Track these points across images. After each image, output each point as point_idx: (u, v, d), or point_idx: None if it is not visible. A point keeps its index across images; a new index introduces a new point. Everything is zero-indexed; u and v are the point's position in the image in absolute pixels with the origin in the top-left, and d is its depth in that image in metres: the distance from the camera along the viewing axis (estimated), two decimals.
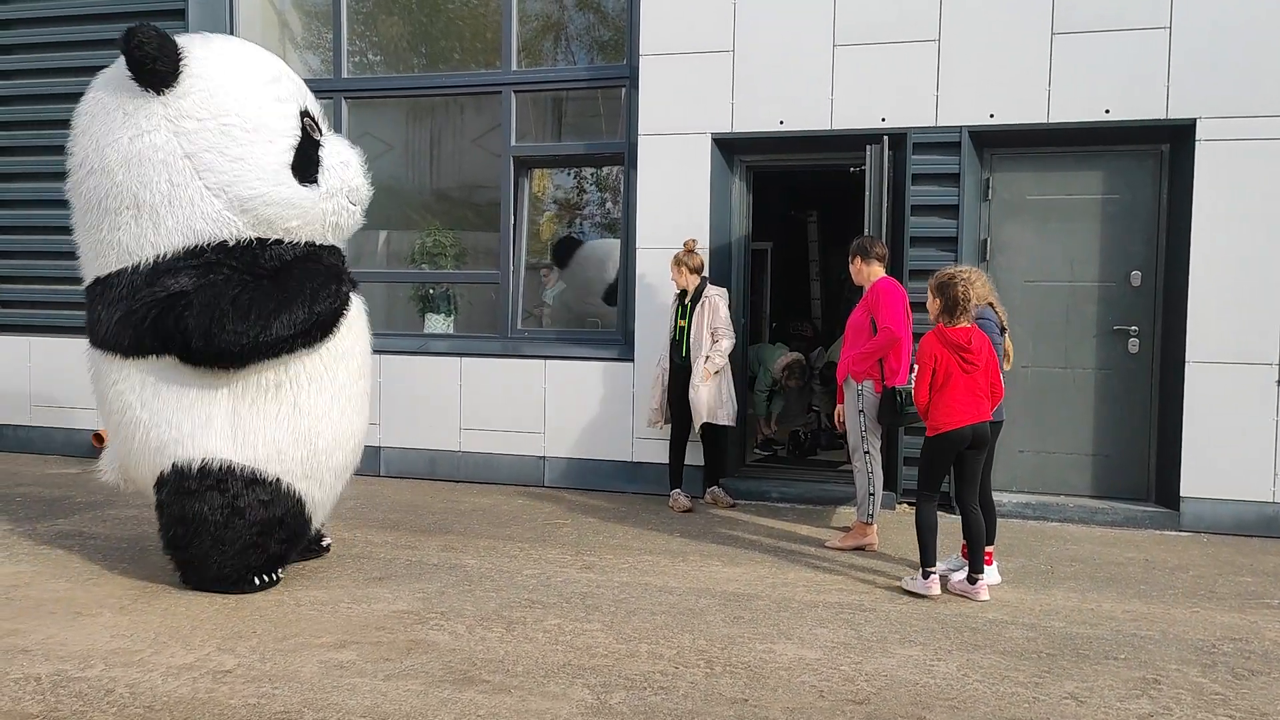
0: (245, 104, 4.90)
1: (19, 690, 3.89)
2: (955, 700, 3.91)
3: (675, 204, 7.60)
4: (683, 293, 7.16)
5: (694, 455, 7.43)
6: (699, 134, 7.56)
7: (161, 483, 5.03)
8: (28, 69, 9.09)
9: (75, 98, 8.96)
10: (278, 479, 5.03)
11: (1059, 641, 4.58)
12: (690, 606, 5.00)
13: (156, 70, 4.73)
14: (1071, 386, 7.23)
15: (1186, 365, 6.73)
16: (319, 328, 4.92)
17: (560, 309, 8.83)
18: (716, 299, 7.21)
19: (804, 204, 12.87)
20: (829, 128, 7.30)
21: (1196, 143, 6.67)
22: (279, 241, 4.98)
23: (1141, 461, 7.14)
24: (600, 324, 8.55)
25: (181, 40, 4.89)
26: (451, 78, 8.56)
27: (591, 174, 8.71)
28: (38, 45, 9.06)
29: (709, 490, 7.44)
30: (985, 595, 5.19)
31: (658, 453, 7.61)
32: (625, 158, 8.05)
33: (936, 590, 5.19)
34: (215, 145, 4.82)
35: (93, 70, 8.78)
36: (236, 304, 4.75)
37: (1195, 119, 6.68)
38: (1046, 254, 7.25)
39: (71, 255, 8.87)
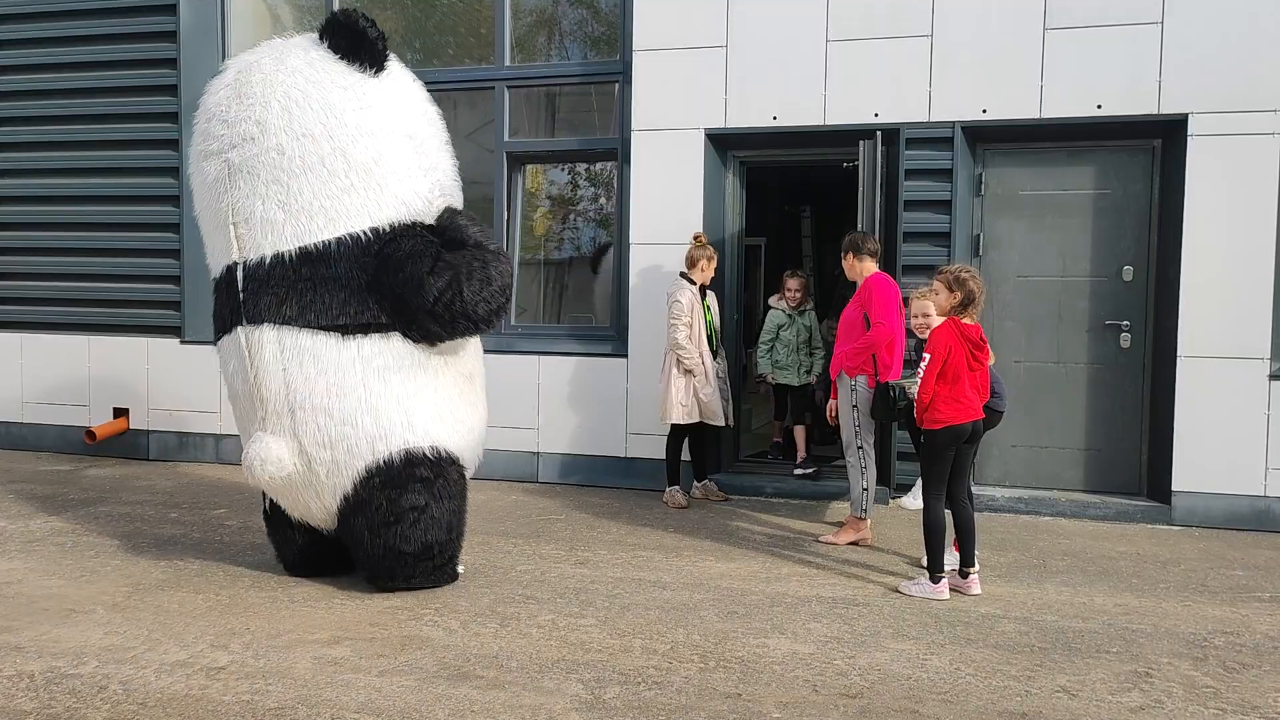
0: (428, 99, 5.34)
1: (12, 687, 3.89)
2: (948, 694, 3.92)
3: (669, 200, 7.60)
4: (694, 284, 7.11)
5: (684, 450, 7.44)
6: (692, 129, 7.56)
7: (387, 470, 4.89)
8: (19, 64, 9.05)
9: (68, 93, 8.98)
10: (466, 464, 5.26)
11: (1051, 635, 4.60)
12: (684, 602, 5.01)
13: (378, 51, 4.97)
14: (1064, 381, 7.25)
15: (1178, 360, 6.75)
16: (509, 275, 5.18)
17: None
18: (712, 297, 7.24)
19: (797, 199, 12.88)
20: (822, 123, 7.30)
21: (1188, 138, 6.68)
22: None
23: (1133, 456, 7.17)
24: (594, 319, 8.55)
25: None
26: (445, 73, 8.54)
27: (585, 170, 8.70)
28: (30, 40, 9.02)
29: (700, 484, 7.45)
30: (977, 589, 5.20)
31: (652, 448, 7.61)
32: (619, 153, 8.05)
33: (947, 594, 5.13)
34: (427, 130, 5.15)
35: (87, 66, 8.77)
36: (485, 268, 4.93)
37: (1187, 114, 6.69)
38: (1039, 249, 7.27)
39: (68, 253, 8.94)
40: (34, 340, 9.13)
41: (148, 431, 8.86)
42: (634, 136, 7.70)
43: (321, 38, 5.02)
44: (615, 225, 8.18)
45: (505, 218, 8.37)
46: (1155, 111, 6.75)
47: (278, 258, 4.85)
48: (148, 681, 3.95)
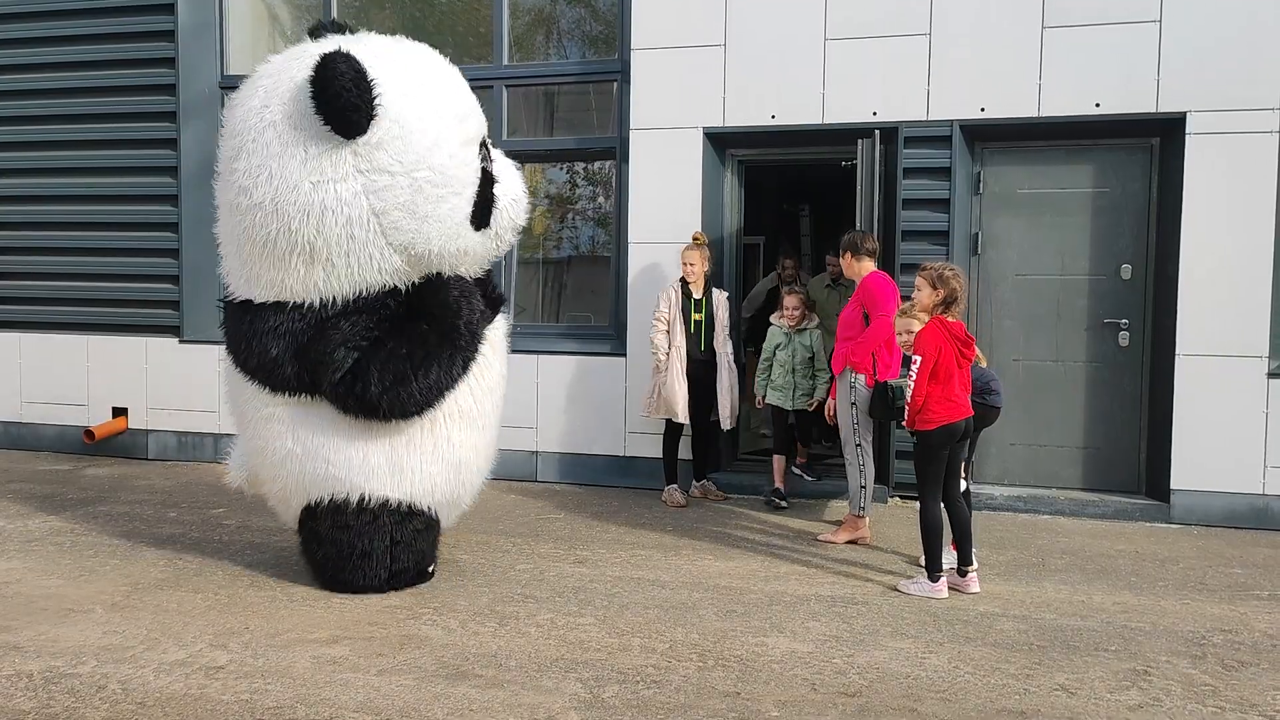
0: (437, 152, 4.59)
1: (11, 687, 3.88)
2: (946, 692, 3.92)
3: (667, 199, 7.60)
4: (684, 283, 7.12)
5: (683, 449, 7.44)
6: (691, 128, 7.55)
7: (314, 512, 4.98)
8: (17, 64, 9.04)
9: (66, 93, 8.97)
10: (428, 509, 5.08)
11: (1050, 633, 4.60)
12: (683, 600, 5.01)
13: (352, 120, 4.36)
14: (1062, 380, 7.25)
15: (1177, 358, 6.75)
16: (468, 366, 4.94)
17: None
18: (724, 298, 7.24)
19: (796, 198, 12.86)
20: (821, 122, 7.30)
21: (1187, 136, 6.68)
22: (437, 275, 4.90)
23: (1132, 454, 7.17)
24: (592, 318, 8.54)
25: (363, 54, 4.44)
26: None
27: (583, 169, 8.70)
28: (28, 40, 9.01)
29: (699, 483, 7.45)
30: (975, 587, 5.20)
31: (650, 447, 7.62)
32: (617, 152, 8.05)
33: (945, 592, 5.13)
34: (405, 203, 4.55)
35: (85, 65, 8.75)
36: (414, 361, 4.68)
37: (1185, 112, 6.69)
38: (1037, 247, 7.27)
39: (66, 252, 8.93)
40: (32, 340, 9.12)
41: (146, 431, 8.85)
42: (632, 135, 7.70)
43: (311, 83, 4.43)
44: (614, 224, 8.18)
45: None
46: (1153, 110, 6.75)
47: (234, 301, 4.97)
48: (146, 681, 3.95)
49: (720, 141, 7.70)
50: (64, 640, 4.39)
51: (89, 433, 8.52)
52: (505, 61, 8.32)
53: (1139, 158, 7.12)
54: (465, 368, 4.90)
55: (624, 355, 7.79)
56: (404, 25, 8.87)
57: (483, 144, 4.94)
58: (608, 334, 8.10)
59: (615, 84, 8.09)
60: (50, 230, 9.04)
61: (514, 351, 7.98)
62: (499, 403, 5.34)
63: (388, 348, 4.70)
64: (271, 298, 4.75)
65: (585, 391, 7.88)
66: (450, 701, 3.78)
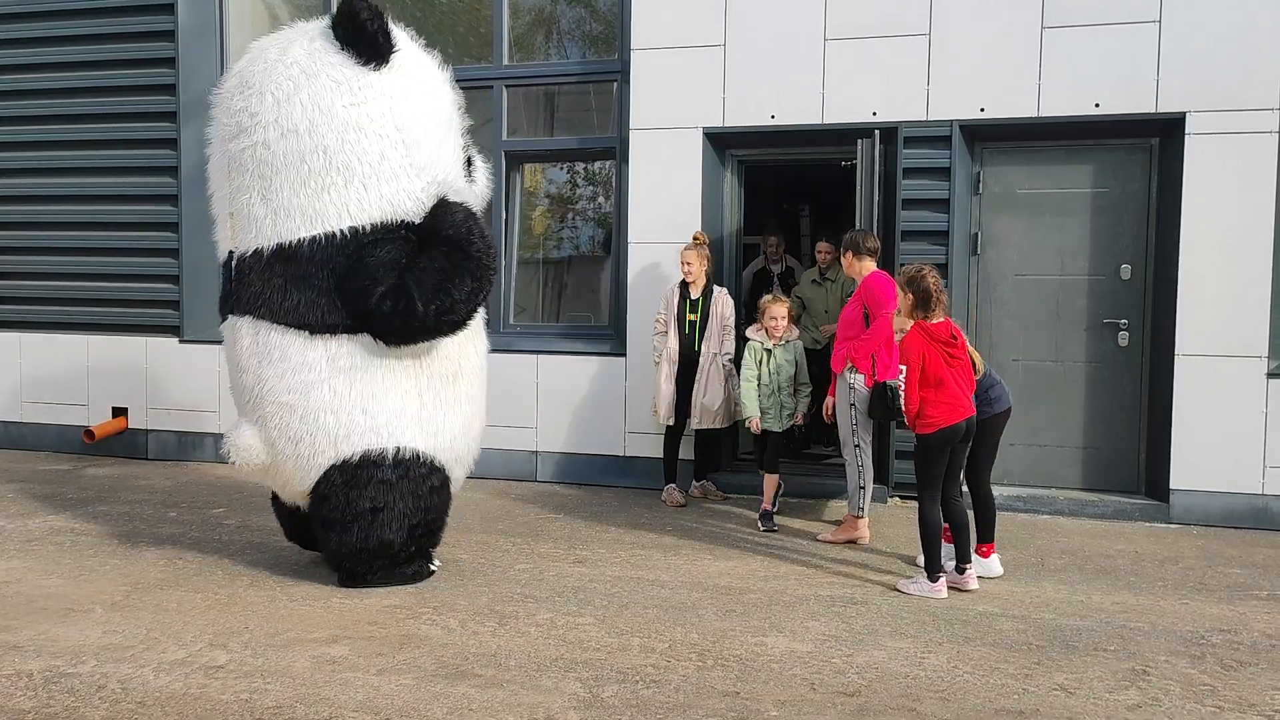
0: (441, 93, 5.13)
1: (11, 686, 3.89)
2: (945, 692, 3.93)
3: (667, 198, 7.60)
4: (684, 285, 7.13)
5: (684, 449, 7.45)
6: (690, 128, 7.56)
7: (343, 468, 4.94)
8: (17, 64, 9.04)
9: (66, 92, 8.98)
10: (445, 467, 5.20)
11: (1049, 633, 4.61)
12: (682, 600, 5.02)
13: (380, 45, 4.82)
14: (1062, 380, 7.26)
15: (1176, 358, 6.75)
16: (492, 276, 5.06)
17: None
18: (727, 296, 7.24)
19: (796, 198, 12.86)
20: (820, 122, 7.31)
21: (1186, 136, 6.69)
22: None
23: (1131, 454, 7.17)
24: (592, 318, 8.55)
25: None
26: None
27: (583, 169, 8.71)
28: (29, 40, 9.02)
29: (698, 484, 7.46)
30: (974, 584, 5.21)
31: (650, 447, 7.62)
32: (617, 152, 8.05)
33: (944, 592, 5.13)
34: (424, 126, 4.94)
35: (85, 65, 8.76)
36: (448, 273, 4.81)
37: (1185, 113, 6.70)
38: (1037, 247, 7.28)
39: (65, 252, 8.93)
40: (33, 339, 9.13)
41: (146, 431, 8.86)
42: (632, 135, 7.71)
43: (331, 26, 4.94)
44: (613, 224, 8.18)
45: (504, 217, 8.37)
46: (1153, 110, 6.76)
47: (258, 253, 4.93)
48: (146, 680, 3.96)
49: (720, 141, 7.70)
50: (64, 640, 4.39)
51: (89, 432, 8.53)
52: (505, 61, 8.32)
53: (1139, 158, 7.13)
54: (491, 280, 5.02)
55: (623, 355, 7.79)
56: (404, 24, 8.85)
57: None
58: (607, 334, 8.10)
59: (615, 84, 8.10)
60: (50, 230, 9.05)
61: (514, 351, 8.05)
62: (486, 371, 5.52)
63: (420, 266, 4.83)
64: (304, 233, 4.83)
65: (585, 391, 7.88)
66: (450, 701, 3.78)
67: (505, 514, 6.90)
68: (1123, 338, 7.13)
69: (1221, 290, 6.66)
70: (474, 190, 5.35)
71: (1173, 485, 6.79)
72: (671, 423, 7.16)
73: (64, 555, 5.75)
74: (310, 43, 4.91)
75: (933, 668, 4.17)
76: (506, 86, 8.31)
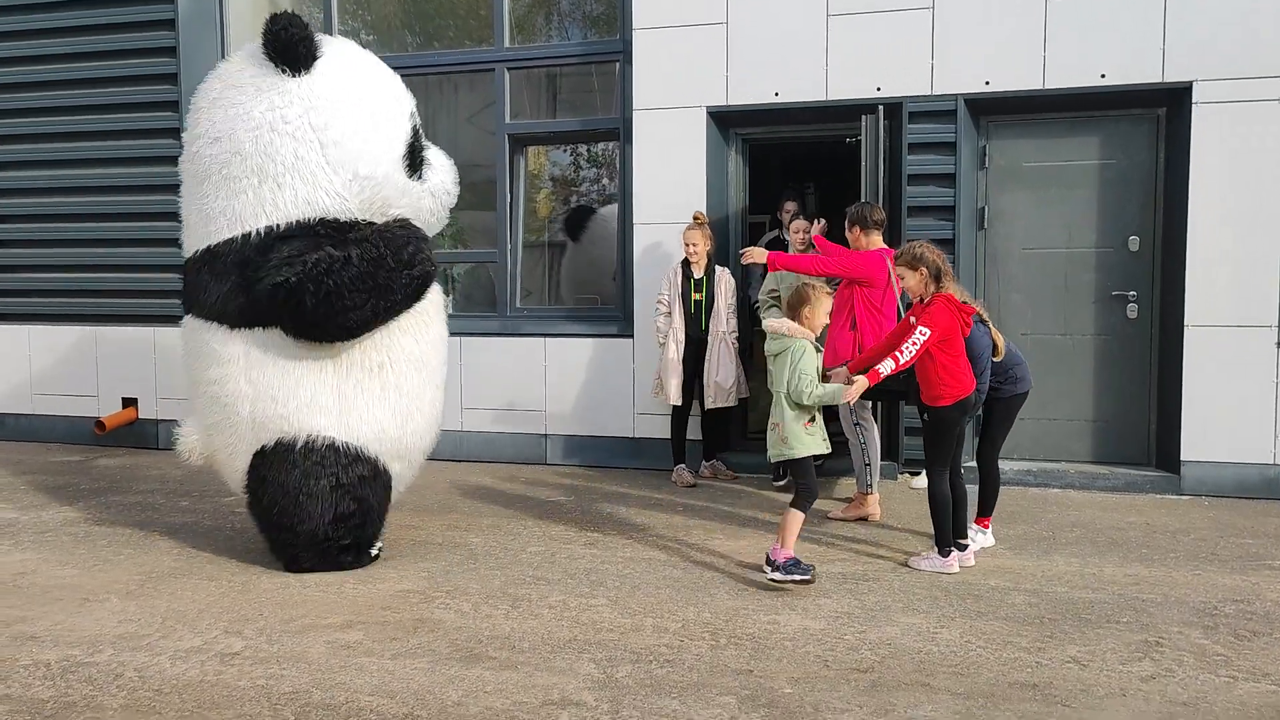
0: (373, 92, 5.14)
1: (29, 676, 3.92)
2: (959, 667, 3.93)
3: (671, 179, 7.58)
4: (686, 263, 7.12)
5: (693, 429, 7.45)
6: (694, 108, 7.52)
7: (263, 457, 5.08)
8: (24, 56, 9.03)
9: (72, 84, 8.99)
10: (375, 458, 5.17)
11: (1061, 606, 4.61)
12: (694, 580, 5.03)
13: (298, 53, 4.91)
14: (1071, 353, 7.24)
15: (1185, 329, 6.72)
16: (418, 292, 5.10)
17: (571, 285, 8.79)
18: (730, 275, 7.23)
19: (801, 176, 12.81)
20: (824, 98, 7.27)
21: (1193, 106, 6.63)
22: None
23: (1142, 426, 7.16)
24: (600, 300, 8.54)
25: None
26: (445, 56, 8.51)
27: (587, 150, 8.68)
28: (30, 32, 9.00)
29: (708, 463, 7.47)
30: (971, 560, 5.19)
31: (659, 428, 7.63)
32: (621, 133, 8.02)
33: (955, 567, 5.12)
34: (344, 125, 4.96)
35: (89, 56, 8.78)
36: (352, 279, 4.82)
37: (1191, 82, 6.65)
38: (1044, 221, 7.24)
39: (72, 243, 8.95)
40: (41, 332, 9.15)
41: (157, 421, 8.88)
42: (635, 116, 7.67)
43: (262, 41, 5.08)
44: (618, 206, 8.15)
45: (508, 200, 8.35)
46: (1159, 80, 6.71)
47: (193, 256, 5.18)
48: (163, 668, 3.98)
49: (724, 120, 7.67)
50: (80, 629, 4.42)
51: (100, 423, 8.56)
52: (506, 44, 8.28)
53: (1145, 128, 7.08)
54: (409, 293, 5.03)
55: (631, 337, 7.79)
56: (405, 9, 8.84)
57: (414, 117, 5.37)
58: (614, 316, 8.10)
59: (617, 64, 8.06)
60: (55, 222, 9.05)
61: (521, 335, 8.06)
62: (443, 369, 5.52)
63: (326, 265, 4.81)
64: (226, 234, 4.98)
65: (593, 373, 7.89)
66: (465, 684, 3.80)
67: (516, 497, 6.91)
68: (1131, 310, 7.10)
69: (1230, 261, 6.63)
70: (422, 187, 5.33)
71: (1183, 457, 6.78)
72: (679, 403, 7.16)
73: (78, 546, 5.79)
74: (245, 58, 5.12)
75: (946, 643, 4.18)
76: (508, 69, 8.28)
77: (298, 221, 4.92)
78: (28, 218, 9.14)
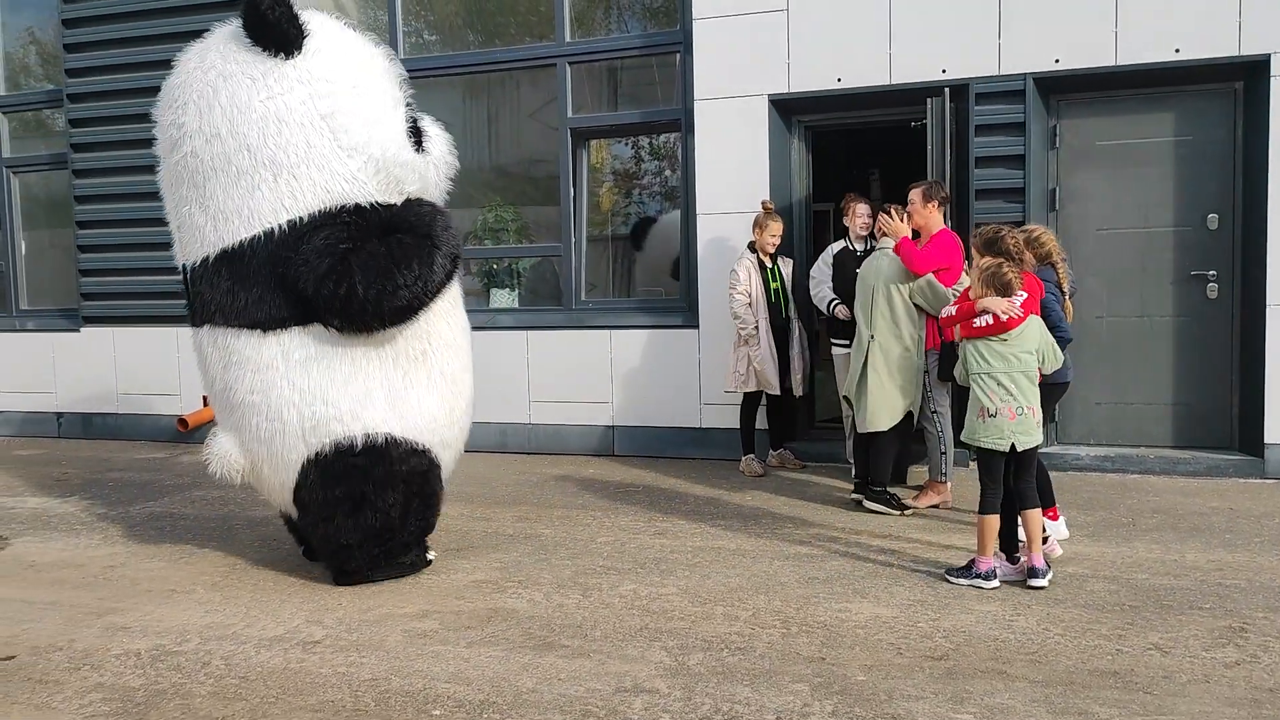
0: (368, 68, 4.94)
1: (120, 665, 4.06)
2: (1036, 654, 3.88)
3: (734, 168, 7.55)
4: (754, 248, 7.09)
5: (760, 418, 7.42)
6: (756, 96, 7.49)
7: (318, 463, 4.81)
8: (100, 66, 9.32)
9: (150, 91, 9.16)
10: (429, 449, 5.00)
11: (1142, 593, 4.51)
12: (764, 568, 5.02)
13: (288, 33, 4.69)
14: (1149, 335, 7.06)
15: (1268, 309, 6.53)
16: (454, 269, 4.94)
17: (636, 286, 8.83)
18: (789, 265, 7.25)
19: (865, 162, 12.68)
20: (888, 82, 7.18)
21: (1272, 79, 6.43)
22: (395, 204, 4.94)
23: (1223, 409, 6.96)
24: (663, 292, 8.55)
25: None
26: (506, 53, 8.59)
27: (648, 142, 8.69)
28: (108, 42, 9.29)
29: (776, 452, 7.45)
30: (1058, 550, 5.08)
31: (726, 418, 7.62)
32: (682, 124, 8.01)
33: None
34: (349, 107, 4.77)
35: (164, 64, 9.00)
36: (395, 258, 4.68)
37: (1270, 54, 6.44)
38: (1119, 201, 7.07)
39: (154, 247, 9.20)
40: (125, 334, 9.45)
41: None
42: (697, 106, 7.66)
43: (240, 25, 4.80)
44: (681, 197, 8.16)
45: (571, 194, 8.40)
46: (1236, 53, 6.51)
47: (205, 261, 4.90)
48: (248, 656, 4.10)
49: (786, 108, 7.62)
50: (168, 619, 4.57)
51: (182, 421, 8.80)
52: (567, 39, 8.33)
53: (1222, 103, 6.87)
54: (447, 270, 4.86)
55: (696, 327, 7.79)
56: (466, 6, 8.93)
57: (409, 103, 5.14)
58: (679, 307, 8.10)
59: (678, 55, 8.05)
60: (137, 227, 9.31)
61: (587, 327, 8.10)
62: (470, 345, 5.31)
63: (366, 249, 4.69)
64: (244, 234, 4.76)
65: (659, 365, 7.91)
66: (539, 671, 3.85)
67: (584, 488, 6.96)
68: (1212, 290, 6.90)
69: None
70: (427, 160, 5.08)
71: (1268, 440, 6.58)
72: (778, 392, 7.13)
73: (164, 539, 5.97)
74: (224, 45, 4.85)
75: (1022, 630, 4.12)
76: (569, 63, 8.32)
77: (321, 211, 4.73)
78: (111, 223, 9.43)
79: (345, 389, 4.80)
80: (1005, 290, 4.68)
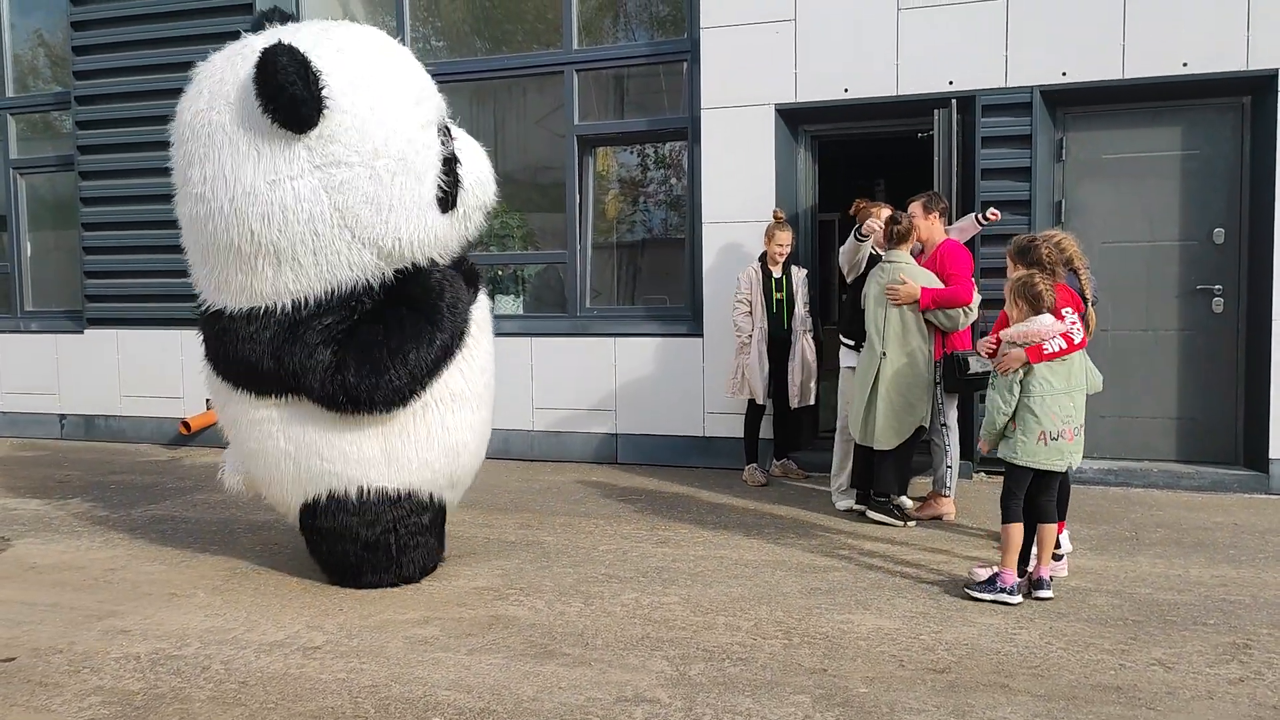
0: (394, 139, 4.46)
1: (120, 669, 4.05)
2: (1039, 668, 3.86)
3: (740, 177, 7.56)
4: (763, 262, 7.09)
5: (764, 428, 7.41)
6: (762, 105, 7.49)
7: (314, 509, 4.89)
8: (108, 69, 9.35)
9: (158, 94, 9.22)
10: (430, 494, 5.00)
11: (1145, 608, 4.50)
12: (766, 579, 5.01)
13: (302, 115, 4.26)
14: (1154, 349, 7.05)
15: (1273, 323, 6.51)
16: (456, 346, 4.81)
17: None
18: (803, 275, 7.20)
19: (871, 173, 12.68)
20: (895, 93, 7.18)
21: (1279, 94, 6.44)
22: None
23: (1228, 424, 6.94)
24: (668, 300, 8.55)
25: (305, 44, 4.34)
26: (514, 60, 8.60)
27: (654, 151, 8.69)
28: (116, 45, 9.31)
29: (779, 462, 7.44)
30: (1064, 571, 5.05)
31: (730, 428, 7.61)
32: (689, 133, 8.02)
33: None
34: (367, 195, 4.43)
35: (172, 68, 9.00)
36: (390, 348, 4.57)
37: (1277, 70, 6.43)
38: (1125, 214, 7.06)
39: (159, 250, 9.22)
40: (129, 336, 9.45)
41: None
42: (704, 115, 7.67)
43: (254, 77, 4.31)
44: (687, 205, 8.16)
45: (577, 202, 8.40)
46: (1244, 68, 6.50)
47: (206, 309, 4.89)
48: (248, 661, 4.09)
49: (792, 118, 7.62)
50: (169, 623, 4.56)
51: (185, 424, 8.80)
52: (575, 46, 8.34)
53: (1229, 118, 6.87)
54: (450, 349, 4.76)
55: (701, 336, 7.78)
56: (474, 13, 8.95)
57: (444, 128, 4.78)
58: (684, 315, 8.10)
59: (685, 64, 8.06)
60: (140, 230, 9.33)
61: (591, 335, 8.10)
62: (490, 382, 5.16)
63: (363, 337, 4.60)
64: (244, 304, 4.65)
65: (663, 373, 7.90)
66: (539, 680, 3.84)
67: (587, 496, 6.95)
68: (1217, 304, 6.89)
69: None
70: (451, 222, 4.74)
71: (1273, 455, 6.56)
72: (765, 402, 7.13)
73: (165, 542, 5.96)
74: (238, 101, 4.41)
75: (1025, 644, 4.11)
76: (577, 71, 8.33)
77: (326, 294, 4.57)
78: (115, 225, 9.45)
79: (337, 444, 4.77)
80: (1035, 303, 4.60)
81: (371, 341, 4.59)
